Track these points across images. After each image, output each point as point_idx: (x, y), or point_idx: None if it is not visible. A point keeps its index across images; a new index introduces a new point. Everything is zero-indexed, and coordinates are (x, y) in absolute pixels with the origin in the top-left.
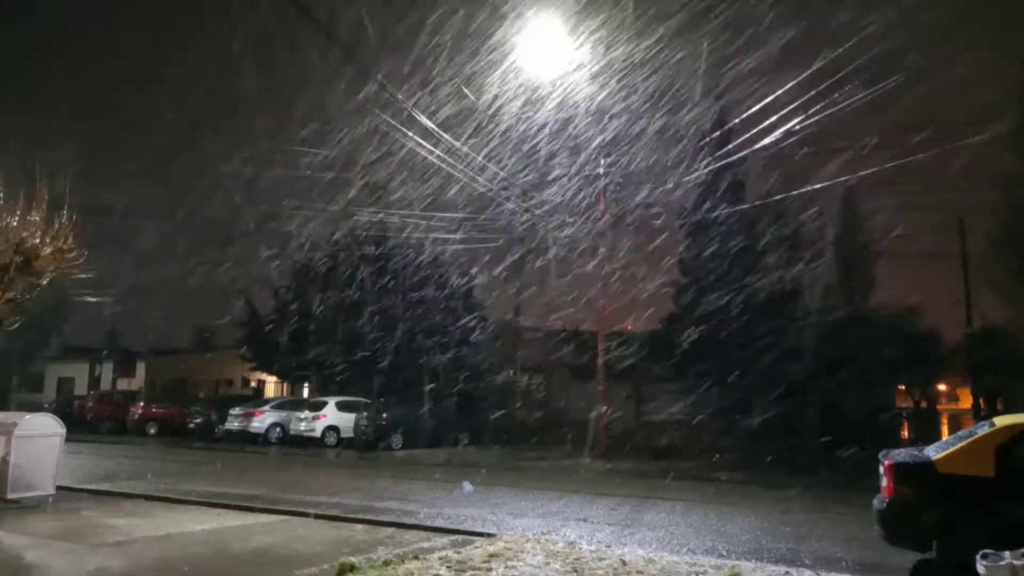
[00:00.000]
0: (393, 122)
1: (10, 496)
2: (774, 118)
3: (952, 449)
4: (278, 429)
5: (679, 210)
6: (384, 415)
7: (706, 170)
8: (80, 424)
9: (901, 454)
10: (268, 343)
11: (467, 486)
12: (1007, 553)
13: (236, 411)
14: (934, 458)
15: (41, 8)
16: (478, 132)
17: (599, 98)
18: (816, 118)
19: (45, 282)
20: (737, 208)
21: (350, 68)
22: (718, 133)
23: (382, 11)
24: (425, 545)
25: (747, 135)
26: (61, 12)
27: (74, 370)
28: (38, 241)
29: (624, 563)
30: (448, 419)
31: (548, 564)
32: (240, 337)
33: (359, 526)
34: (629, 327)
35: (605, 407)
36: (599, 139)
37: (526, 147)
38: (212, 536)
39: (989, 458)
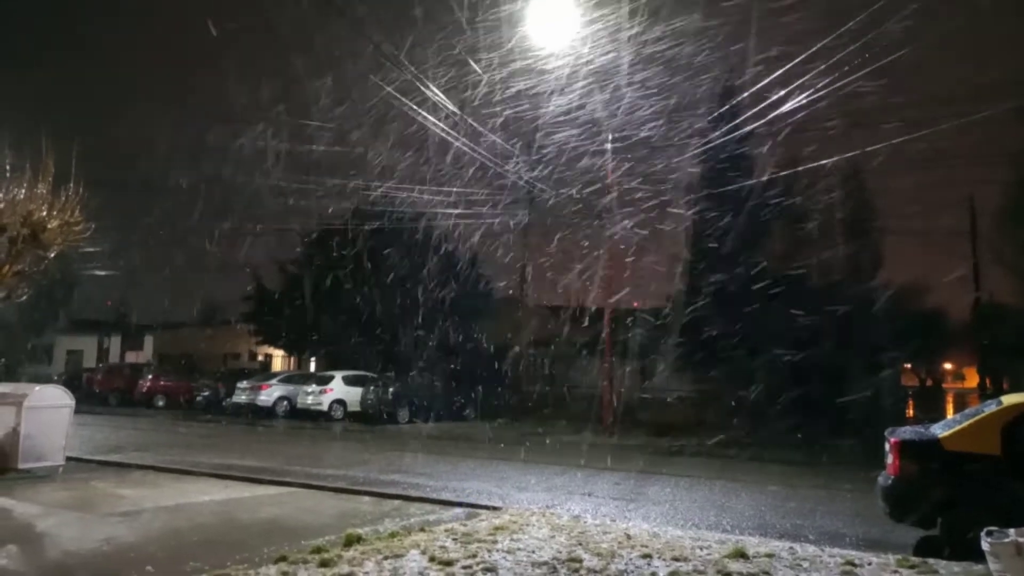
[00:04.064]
0: (405, 99)
1: (21, 466)
2: (782, 92)
3: (958, 427)
4: (285, 402)
5: (687, 186)
6: (391, 389)
7: (714, 144)
8: (89, 396)
9: (907, 431)
10: (275, 317)
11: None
12: (1012, 530)
13: (244, 384)
14: (940, 436)
15: None
16: (484, 102)
17: (608, 69)
18: (825, 91)
19: (52, 255)
20: (744, 184)
21: (362, 43)
22: (727, 107)
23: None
24: (431, 517)
25: (756, 108)
26: None
27: (83, 343)
28: (45, 214)
29: (629, 537)
30: (455, 393)
31: (553, 537)
32: (248, 311)
33: (366, 498)
34: (636, 304)
35: (609, 382)
36: (608, 112)
37: (533, 120)
38: (220, 507)
39: (995, 436)
